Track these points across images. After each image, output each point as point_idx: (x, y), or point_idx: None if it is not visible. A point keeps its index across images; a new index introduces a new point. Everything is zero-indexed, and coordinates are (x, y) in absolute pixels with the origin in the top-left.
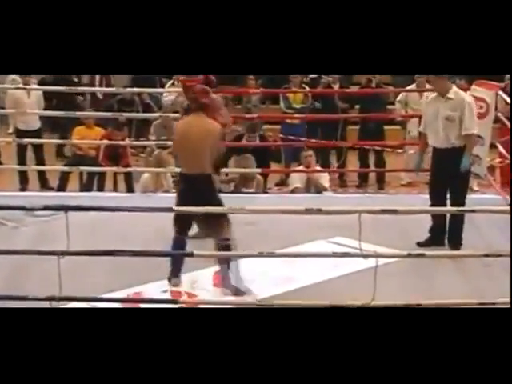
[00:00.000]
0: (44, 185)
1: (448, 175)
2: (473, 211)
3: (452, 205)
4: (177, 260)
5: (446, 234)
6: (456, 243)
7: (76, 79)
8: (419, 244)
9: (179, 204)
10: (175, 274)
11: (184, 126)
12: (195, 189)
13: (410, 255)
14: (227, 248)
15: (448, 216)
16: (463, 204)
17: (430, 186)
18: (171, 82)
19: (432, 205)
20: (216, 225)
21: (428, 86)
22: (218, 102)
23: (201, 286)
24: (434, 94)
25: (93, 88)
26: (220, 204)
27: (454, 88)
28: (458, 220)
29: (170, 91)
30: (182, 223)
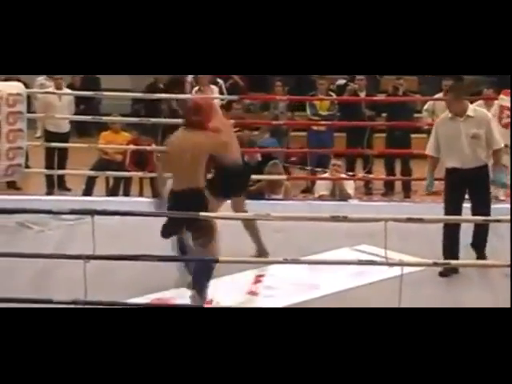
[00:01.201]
0: (61, 186)
1: (472, 193)
2: (498, 221)
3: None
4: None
5: (458, 253)
6: (481, 253)
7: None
8: (441, 274)
9: (167, 221)
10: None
11: (177, 142)
12: (185, 203)
13: (435, 264)
14: (202, 268)
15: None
16: (489, 215)
17: (446, 205)
18: (197, 87)
19: (447, 225)
20: (202, 239)
21: None
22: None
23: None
24: (447, 115)
25: (119, 93)
26: (208, 221)
27: (470, 105)
28: (483, 230)
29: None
30: (168, 234)
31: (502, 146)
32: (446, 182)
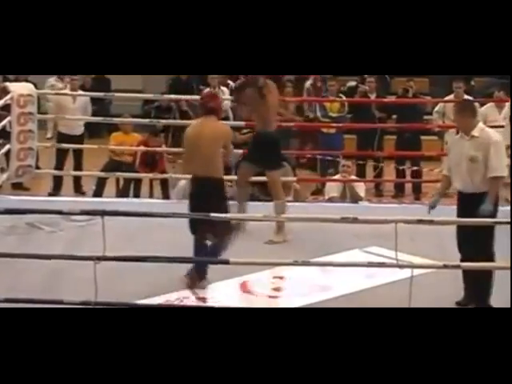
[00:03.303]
0: (78, 189)
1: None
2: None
3: (475, 259)
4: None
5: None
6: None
7: None
8: (459, 303)
9: (191, 208)
10: (202, 277)
11: (194, 130)
12: (204, 192)
13: (445, 266)
14: (215, 251)
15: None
16: (491, 257)
17: (457, 234)
18: (208, 89)
19: (462, 256)
20: (220, 232)
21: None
22: None
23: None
24: (460, 133)
25: (129, 94)
26: (226, 211)
27: (480, 125)
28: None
29: None
30: (196, 227)
31: (502, 174)
32: (456, 206)
